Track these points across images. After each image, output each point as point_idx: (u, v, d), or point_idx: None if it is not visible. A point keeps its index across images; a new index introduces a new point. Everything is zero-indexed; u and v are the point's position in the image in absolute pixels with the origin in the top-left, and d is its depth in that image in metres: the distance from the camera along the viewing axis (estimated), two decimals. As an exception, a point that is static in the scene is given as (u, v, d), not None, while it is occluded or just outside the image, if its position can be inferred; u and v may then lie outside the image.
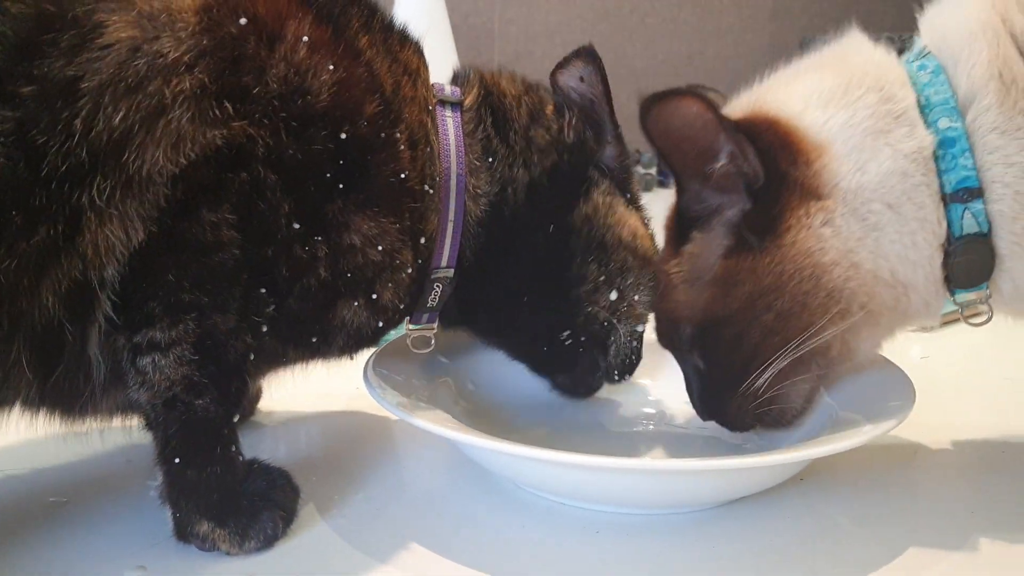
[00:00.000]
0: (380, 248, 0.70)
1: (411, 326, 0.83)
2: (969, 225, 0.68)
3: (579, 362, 0.84)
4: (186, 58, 0.60)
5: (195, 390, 0.63)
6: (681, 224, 0.75)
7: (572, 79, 0.81)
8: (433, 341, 0.84)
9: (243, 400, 0.69)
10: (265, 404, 0.93)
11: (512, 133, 0.80)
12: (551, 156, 0.80)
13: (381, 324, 0.75)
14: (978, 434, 0.87)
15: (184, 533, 0.65)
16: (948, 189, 0.68)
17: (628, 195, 0.85)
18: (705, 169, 0.71)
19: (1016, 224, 0.68)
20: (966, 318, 0.74)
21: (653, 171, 2.45)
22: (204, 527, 0.64)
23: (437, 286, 0.78)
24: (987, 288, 0.71)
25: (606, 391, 0.90)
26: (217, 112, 0.61)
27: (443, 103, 0.78)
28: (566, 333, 0.81)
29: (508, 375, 0.88)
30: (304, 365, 0.79)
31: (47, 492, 0.75)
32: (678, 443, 0.87)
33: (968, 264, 0.69)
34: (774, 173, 0.70)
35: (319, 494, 0.74)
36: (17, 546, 0.67)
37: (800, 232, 0.69)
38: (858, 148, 0.69)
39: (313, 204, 0.66)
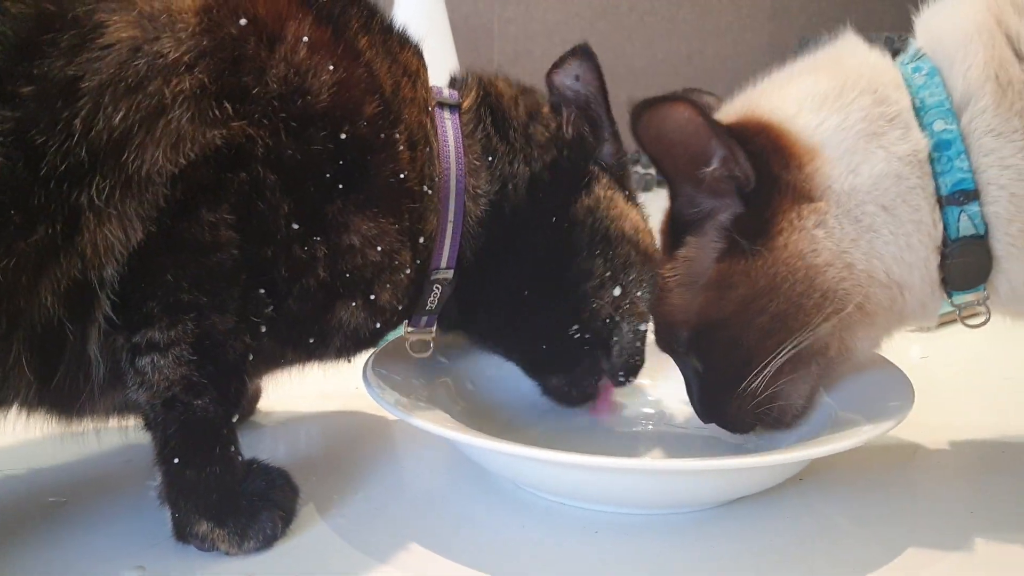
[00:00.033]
0: (379, 249, 0.69)
1: (409, 329, 0.83)
2: (965, 227, 0.68)
3: (579, 362, 0.84)
4: (186, 58, 0.60)
5: (194, 390, 0.63)
6: (675, 228, 0.76)
7: (568, 78, 0.81)
8: (432, 345, 0.84)
9: (242, 400, 0.69)
10: (264, 404, 0.92)
11: (511, 131, 0.80)
12: (551, 152, 0.80)
13: (379, 325, 0.74)
14: (977, 434, 0.88)
15: (183, 533, 0.65)
16: (944, 192, 0.68)
17: (626, 192, 0.85)
18: (697, 174, 0.71)
19: (1012, 226, 0.68)
20: (963, 319, 0.74)
21: (652, 171, 2.44)
22: (203, 527, 0.64)
23: (436, 287, 0.78)
24: (984, 289, 0.71)
25: (606, 391, 0.90)
26: (217, 112, 0.61)
27: (441, 105, 0.78)
28: (571, 329, 0.80)
29: (507, 375, 0.88)
30: (302, 367, 0.79)
31: (46, 492, 0.75)
32: (678, 443, 0.87)
33: (964, 266, 0.70)
34: (766, 176, 0.70)
35: (318, 494, 0.74)
36: (16, 546, 0.67)
37: (793, 234, 0.69)
38: (851, 151, 0.69)
39: (312, 204, 0.66)
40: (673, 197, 0.75)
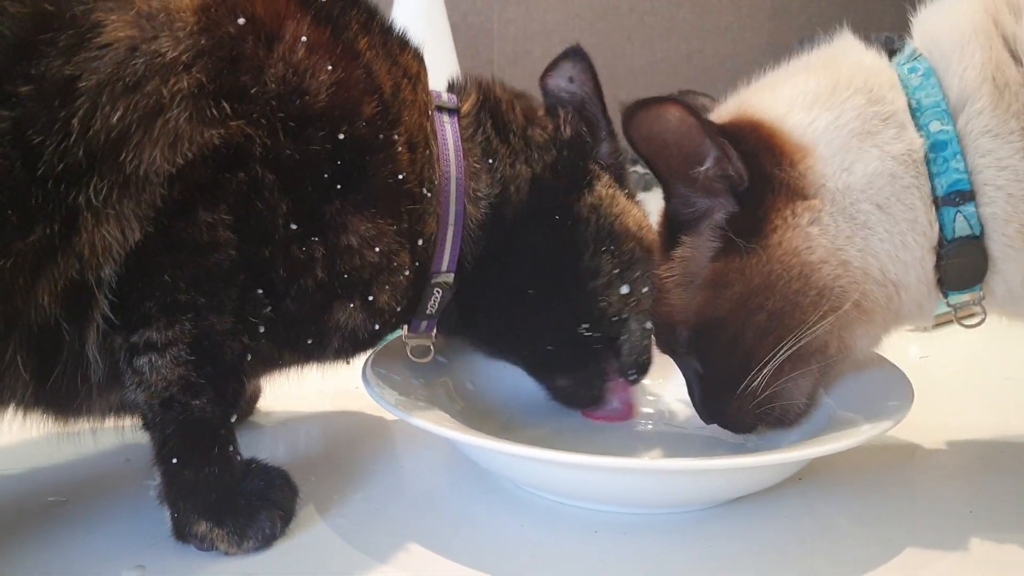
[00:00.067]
0: (377, 249, 0.69)
1: (408, 334, 0.83)
2: (961, 228, 0.69)
3: (587, 362, 0.84)
4: (184, 58, 0.60)
5: (192, 390, 0.63)
6: (671, 228, 0.76)
7: (562, 80, 0.82)
8: (432, 349, 0.84)
9: (241, 400, 0.69)
10: (264, 404, 0.92)
11: (512, 135, 0.80)
12: (551, 153, 0.80)
13: (377, 327, 0.74)
14: (976, 434, 0.88)
15: (182, 533, 0.65)
16: (940, 192, 0.69)
17: (626, 190, 0.85)
18: (691, 174, 0.71)
19: (1009, 227, 0.68)
20: (959, 320, 0.74)
21: (652, 171, 2.44)
22: (202, 527, 0.64)
23: (437, 291, 0.78)
24: (980, 290, 0.71)
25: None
26: (215, 112, 0.61)
27: (440, 109, 0.78)
28: (580, 329, 0.80)
29: (507, 375, 0.88)
30: (300, 368, 0.79)
31: (46, 491, 0.75)
32: (677, 443, 0.87)
33: (961, 266, 0.70)
34: (759, 175, 0.70)
35: (318, 494, 0.74)
36: (16, 545, 0.67)
37: (787, 232, 0.70)
38: (844, 149, 0.69)
39: (311, 204, 0.66)
40: (668, 198, 0.75)
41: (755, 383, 0.72)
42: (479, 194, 0.78)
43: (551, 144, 0.81)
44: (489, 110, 0.81)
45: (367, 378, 0.78)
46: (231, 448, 0.66)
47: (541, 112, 0.83)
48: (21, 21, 0.56)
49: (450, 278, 0.78)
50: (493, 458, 0.74)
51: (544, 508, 0.73)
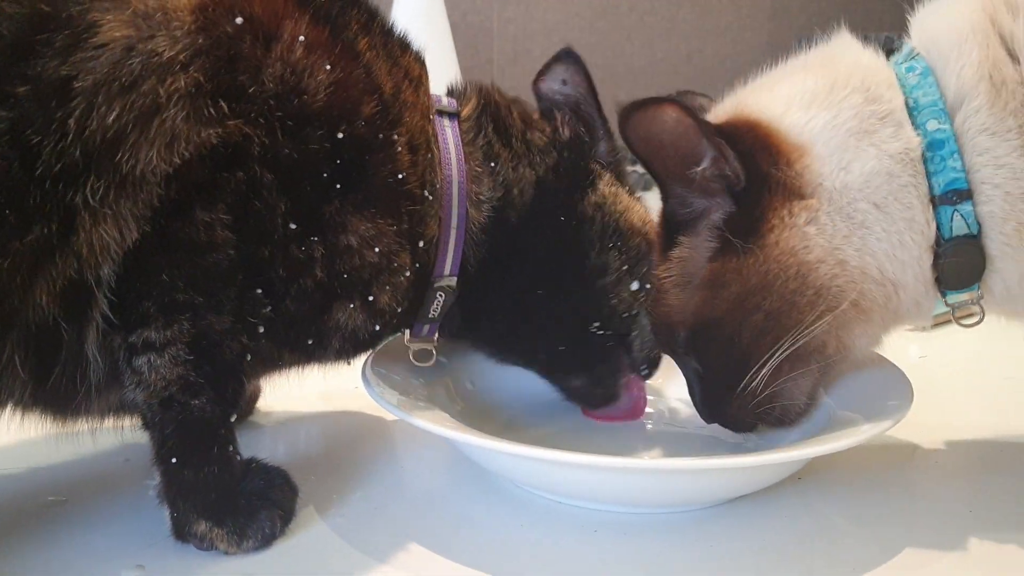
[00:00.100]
0: (377, 250, 0.69)
1: (411, 338, 0.83)
2: (959, 227, 0.68)
3: (601, 360, 0.84)
4: (181, 57, 0.60)
5: (191, 390, 0.63)
6: (668, 229, 0.76)
7: (555, 83, 0.82)
8: (435, 353, 0.84)
9: (240, 400, 0.69)
10: (263, 403, 0.92)
11: (513, 138, 0.81)
12: (552, 155, 0.81)
13: (378, 328, 0.74)
14: (976, 434, 0.88)
15: (182, 532, 0.65)
16: (937, 191, 0.68)
17: (627, 187, 0.85)
18: (688, 174, 0.71)
19: (1006, 225, 0.68)
20: (957, 319, 0.74)
21: (652, 170, 2.44)
22: (202, 526, 0.64)
23: (440, 295, 0.78)
24: (978, 289, 0.71)
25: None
26: (212, 111, 0.61)
27: (440, 113, 0.78)
28: (592, 327, 0.81)
29: (506, 375, 0.88)
30: (301, 368, 0.79)
31: (45, 491, 0.75)
32: (677, 442, 0.87)
33: (958, 266, 0.70)
34: (755, 175, 0.70)
35: (317, 493, 0.74)
36: (15, 545, 0.67)
37: (784, 231, 0.69)
38: (841, 148, 0.69)
39: (310, 204, 0.66)
40: (665, 198, 0.75)
41: (755, 383, 0.72)
42: (481, 197, 0.78)
43: (551, 146, 0.81)
44: (490, 114, 0.81)
45: (367, 378, 0.78)
46: (231, 448, 0.66)
47: (536, 115, 0.83)
48: (17, 21, 0.56)
49: (453, 282, 0.78)
50: (493, 458, 0.74)
51: (544, 508, 0.73)
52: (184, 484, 0.64)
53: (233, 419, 0.67)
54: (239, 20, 0.63)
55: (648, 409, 0.92)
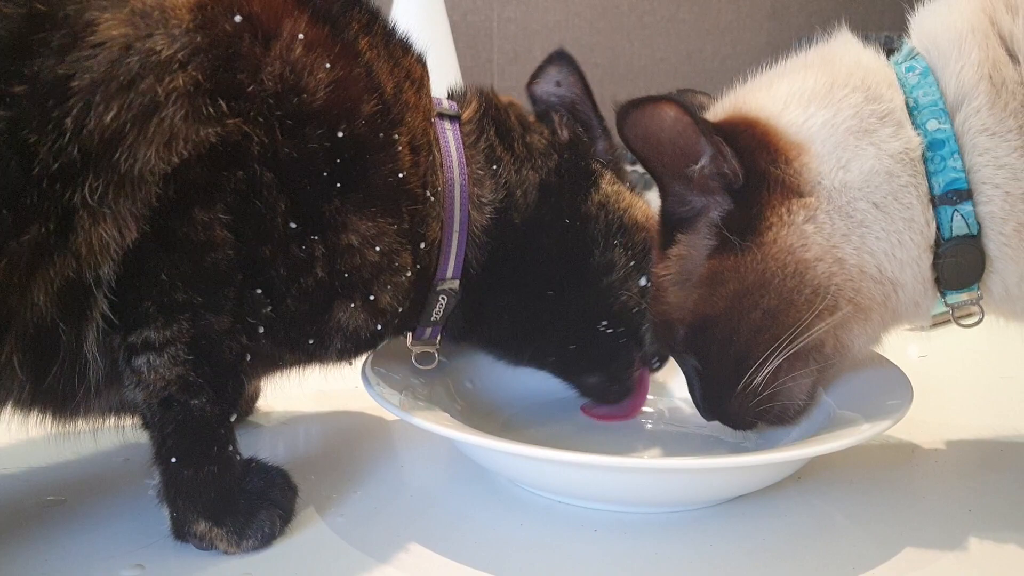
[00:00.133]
0: (378, 249, 0.69)
1: (413, 341, 0.83)
2: (959, 227, 0.68)
3: (615, 356, 0.84)
4: (179, 55, 0.59)
5: (191, 390, 0.63)
6: (667, 227, 0.76)
7: (549, 85, 0.83)
8: (437, 356, 0.84)
9: (240, 400, 0.69)
10: (263, 403, 0.93)
11: (515, 141, 0.81)
12: (552, 157, 0.81)
13: (379, 327, 0.74)
14: (976, 433, 0.88)
15: (182, 532, 0.65)
16: (937, 191, 0.68)
17: (627, 185, 0.86)
18: (686, 172, 0.71)
19: (1006, 225, 0.68)
20: (957, 319, 0.74)
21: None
22: (201, 526, 0.64)
23: (442, 298, 0.78)
24: (978, 289, 0.71)
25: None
26: (211, 110, 0.60)
27: (442, 116, 0.78)
28: (602, 325, 0.81)
29: (507, 375, 0.88)
30: (302, 368, 0.79)
31: (45, 491, 0.75)
32: (676, 442, 0.87)
33: (958, 266, 0.70)
34: (754, 173, 0.70)
35: (317, 493, 0.74)
36: (15, 545, 0.67)
37: (782, 229, 0.69)
38: (840, 146, 0.69)
39: (310, 203, 0.66)
40: (663, 196, 0.75)
41: (755, 381, 0.72)
42: (483, 200, 0.78)
43: (551, 148, 0.82)
44: (492, 118, 0.81)
45: (367, 378, 0.78)
46: (230, 447, 0.66)
47: (532, 118, 0.84)
48: (14, 21, 0.56)
49: (455, 285, 0.78)
50: (493, 457, 0.74)
51: (544, 507, 0.73)
52: (184, 484, 0.64)
53: (233, 419, 0.67)
54: (238, 18, 0.62)
55: (648, 409, 0.92)
